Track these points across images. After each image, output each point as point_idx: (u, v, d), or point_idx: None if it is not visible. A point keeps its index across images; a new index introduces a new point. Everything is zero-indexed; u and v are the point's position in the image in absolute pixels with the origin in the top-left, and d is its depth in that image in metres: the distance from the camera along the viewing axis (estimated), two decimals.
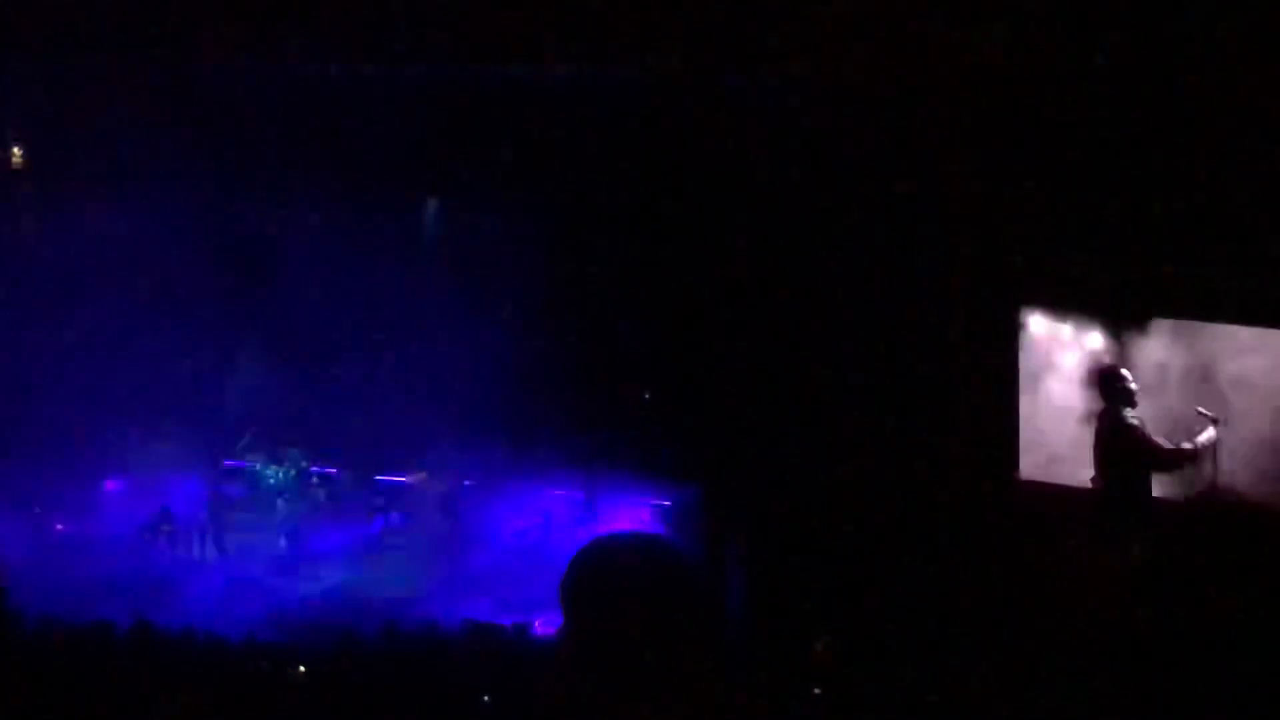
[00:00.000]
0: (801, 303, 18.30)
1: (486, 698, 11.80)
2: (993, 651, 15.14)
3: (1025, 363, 16.96)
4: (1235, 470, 15.69)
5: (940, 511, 17.16)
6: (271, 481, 21.14)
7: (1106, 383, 16.49)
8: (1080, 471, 16.71)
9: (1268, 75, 14.63)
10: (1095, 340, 16.60)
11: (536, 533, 19.91)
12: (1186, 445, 16.01)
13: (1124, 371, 16.40)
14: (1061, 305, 16.68)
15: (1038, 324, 16.91)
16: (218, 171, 20.13)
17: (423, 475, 20.75)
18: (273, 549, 20.22)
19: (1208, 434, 15.77)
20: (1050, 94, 15.97)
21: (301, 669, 13.13)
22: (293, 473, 21.13)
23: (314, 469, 21.19)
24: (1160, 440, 16.24)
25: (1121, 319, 16.35)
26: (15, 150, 21.02)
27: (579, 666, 2.38)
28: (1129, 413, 16.38)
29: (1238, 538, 15.31)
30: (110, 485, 20.91)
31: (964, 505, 17.20)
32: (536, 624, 16.86)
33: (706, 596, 2.48)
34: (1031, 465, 17.10)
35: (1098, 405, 16.59)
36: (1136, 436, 16.33)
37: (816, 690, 13.63)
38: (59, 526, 20.00)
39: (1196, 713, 11.66)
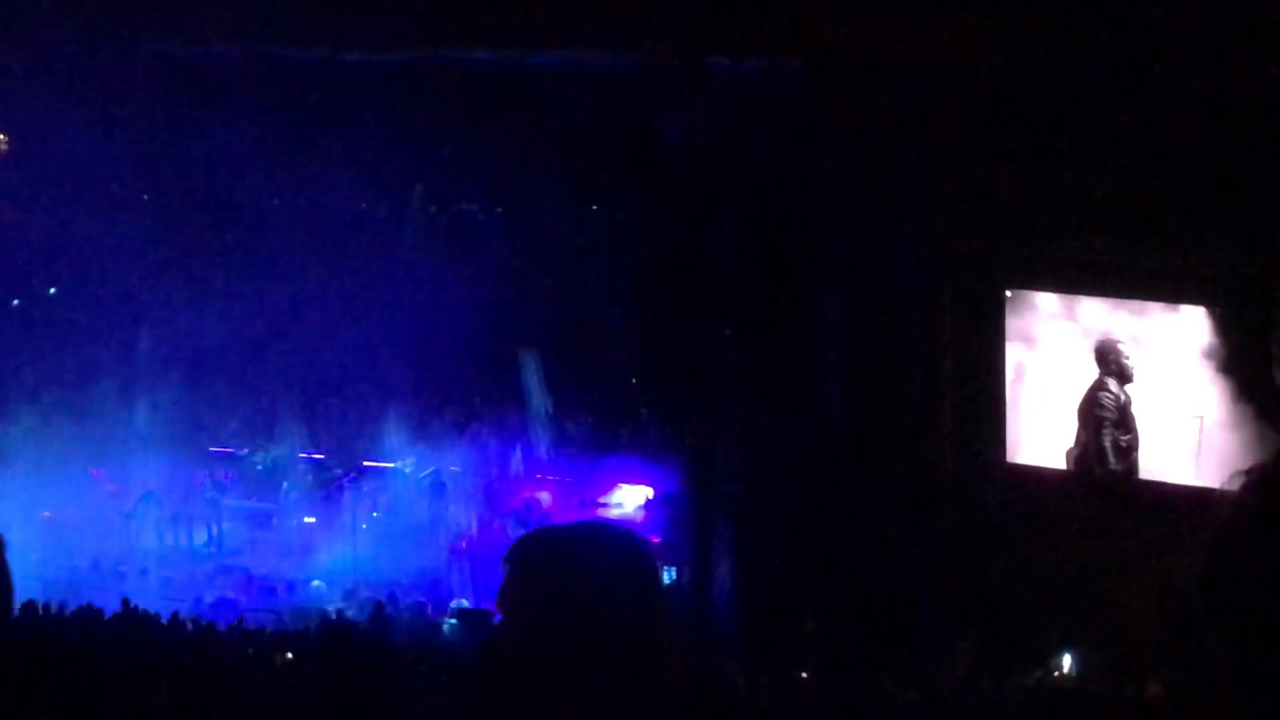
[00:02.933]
0: (788, 288, 18.28)
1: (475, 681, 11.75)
2: (979, 631, 15.18)
3: (1012, 345, 16.95)
4: None
5: (929, 495, 17.17)
6: (259, 467, 21.08)
7: (1100, 354, 16.58)
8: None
9: (1249, 62, 14.63)
10: (1091, 320, 16.59)
11: (525, 518, 19.88)
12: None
13: (1120, 346, 16.43)
14: (1054, 286, 16.67)
15: (1027, 305, 16.91)
16: (208, 160, 20.04)
17: (410, 461, 20.71)
18: (260, 535, 20.16)
19: None
20: (1039, 76, 15.94)
21: (289, 655, 13.10)
22: (280, 459, 21.07)
23: (302, 455, 21.12)
24: (1111, 427, 16.31)
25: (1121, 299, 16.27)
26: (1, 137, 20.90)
27: (519, 663, 2.23)
28: (1113, 386, 16.44)
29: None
30: (96, 472, 20.81)
31: (952, 489, 17.21)
32: None
33: (653, 583, 2.29)
34: (1018, 448, 17.12)
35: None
36: (1091, 408, 16.46)
37: (804, 674, 13.65)
38: (46, 514, 19.90)
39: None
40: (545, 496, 20.18)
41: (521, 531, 18.27)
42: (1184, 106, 15.02)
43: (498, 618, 2.33)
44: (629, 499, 19.67)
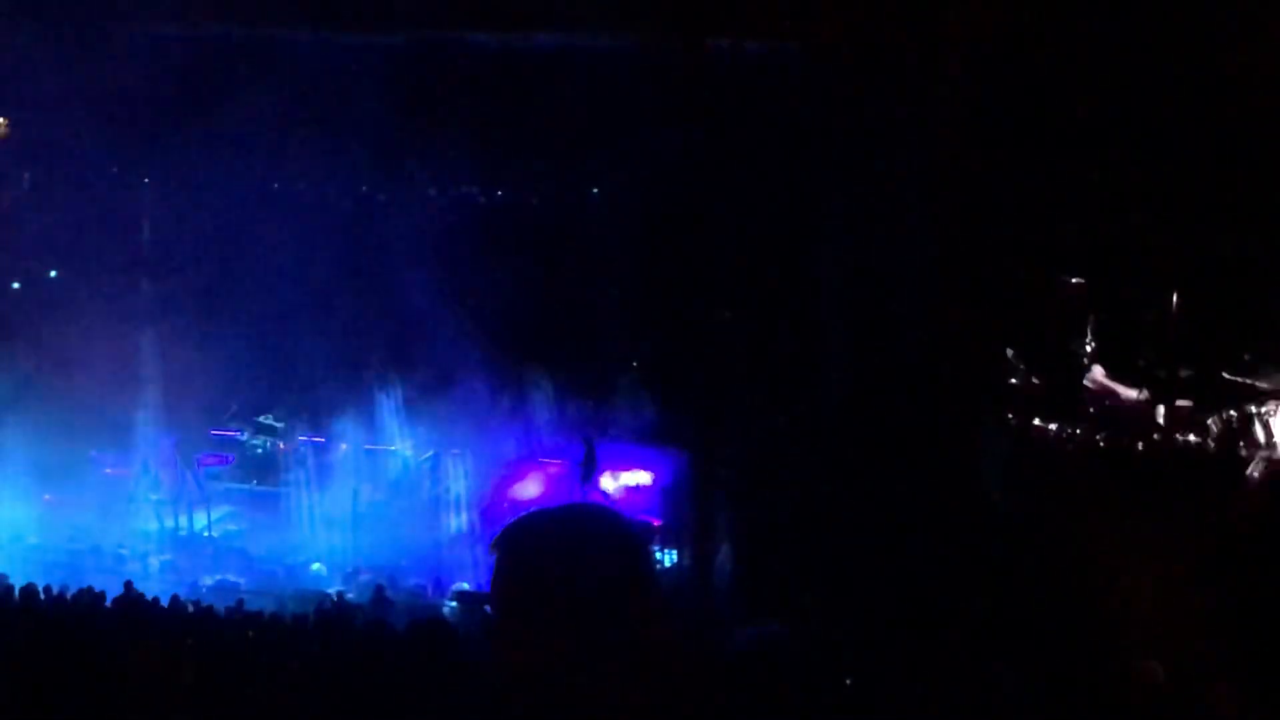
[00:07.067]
0: (788, 272, 18.25)
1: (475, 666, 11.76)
2: (981, 612, 15.14)
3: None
4: None
5: (929, 477, 17.15)
6: (259, 451, 21.07)
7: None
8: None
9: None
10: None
11: (528, 500, 19.88)
12: None
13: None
14: (1050, 266, 16.67)
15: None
16: (207, 142, 20.00)
17: (408, 444, 20.71)
18: (260, 518, 20.14)
19: None
20: (1039, 56, 15.91)
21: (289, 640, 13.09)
22: (280, 442, 21.05)
23: (301, 438, 21.11)
24: None
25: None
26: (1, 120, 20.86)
27: (512, 643, 2.31)
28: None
29: None
30: (97, 455, 20.80)
31: (951, 471, 17.19)
32: None
33: (640, 566, 2.37)
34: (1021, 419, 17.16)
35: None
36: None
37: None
38: (46, 496, 19.90)
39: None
40: (548, 478, 20.21)
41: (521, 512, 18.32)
42: (1183, 90, 14.98)
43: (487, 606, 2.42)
44: (611, 485, 19.72)
